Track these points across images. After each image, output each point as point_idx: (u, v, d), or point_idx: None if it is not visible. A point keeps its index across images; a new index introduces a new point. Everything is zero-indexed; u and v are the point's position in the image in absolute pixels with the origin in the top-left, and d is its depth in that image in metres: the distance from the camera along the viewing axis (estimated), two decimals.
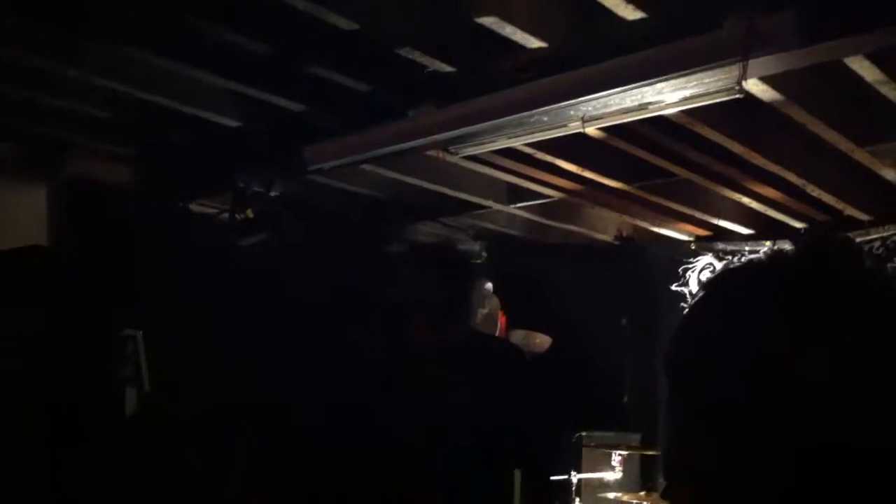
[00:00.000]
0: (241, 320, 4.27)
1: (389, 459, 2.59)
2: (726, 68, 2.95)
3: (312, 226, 4.71)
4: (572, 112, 3.42)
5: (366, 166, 4.39)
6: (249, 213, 4.49)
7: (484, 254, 6.23)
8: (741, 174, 4.51)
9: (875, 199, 4.92)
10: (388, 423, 2.62)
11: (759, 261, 0.97)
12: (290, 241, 4.56)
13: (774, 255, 0.95)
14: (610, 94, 3.22)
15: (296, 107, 3.89)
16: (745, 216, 5.47)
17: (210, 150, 4.34)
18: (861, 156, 4.07)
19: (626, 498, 5.28)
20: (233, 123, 4.05)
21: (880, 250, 5.38)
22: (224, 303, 4.25)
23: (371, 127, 3.86)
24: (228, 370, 4.20)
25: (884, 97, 3.35)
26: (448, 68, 3.44)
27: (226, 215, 4.65)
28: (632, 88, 3.16)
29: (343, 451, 2.79)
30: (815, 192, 4.62)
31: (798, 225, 5.39)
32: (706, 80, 3.04)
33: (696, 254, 6.19)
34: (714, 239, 6.00)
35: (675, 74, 3.02)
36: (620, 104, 3.32)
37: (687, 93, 3.19)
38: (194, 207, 4.91)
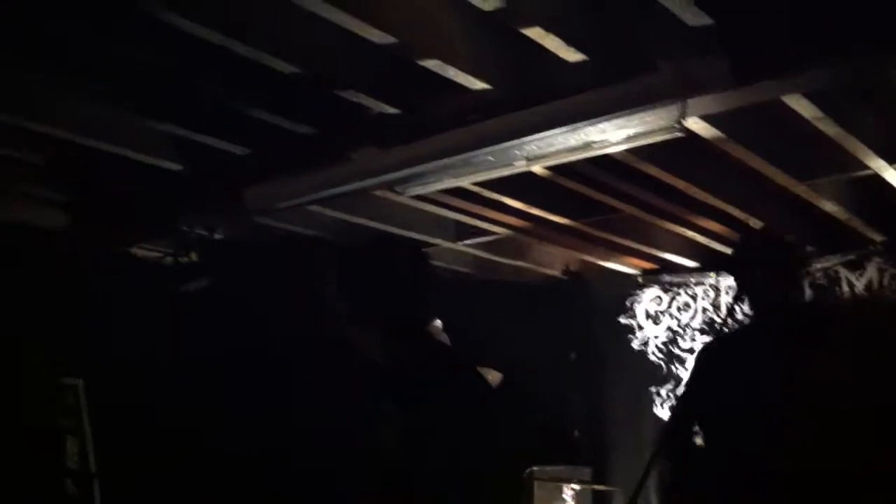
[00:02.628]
0: (188, 367, 4.18)
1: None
2: (666, 108, 2.98)
3: (258, 269, 4.65)
4: (517, 151, 3.43)
5: (312, 207, 4.36)
6: (193, 257, 4.42)
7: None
8: (684, 209, 4.56)
9: (815, 230, 4.99)
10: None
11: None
12: (235, 286, 4.48)
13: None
14: (554, 134, 3.23)
15: (238, 150, 3.85)
16: (689, 249, 5.52)
17: (152, 194, 4.27)
18: (801, 190, 4.13)
19: None
20: (175, 167, 3.99)
21: (822, 280, 5.46)
22: (170, 349, 4.16)
23: (314, 169, 3.83)
24: (178, 419, 4.10)
25: (821, 133, 3.40)
26: (392, 110, 3.43)
27: (169, 259, 4.57)
28: (575, 128, 3.18)
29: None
30: (757, 224, 4.68)
31: None
32: (647, 120, 3.08)
33: (642, 286, 6.24)
34: (660, 272, 6.05)
35: (616, 114, 3.05)
36: (565, 143, 3.34)
37: (629, 132, 3.22)
38: (137, 252, 4.82)
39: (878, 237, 5.03)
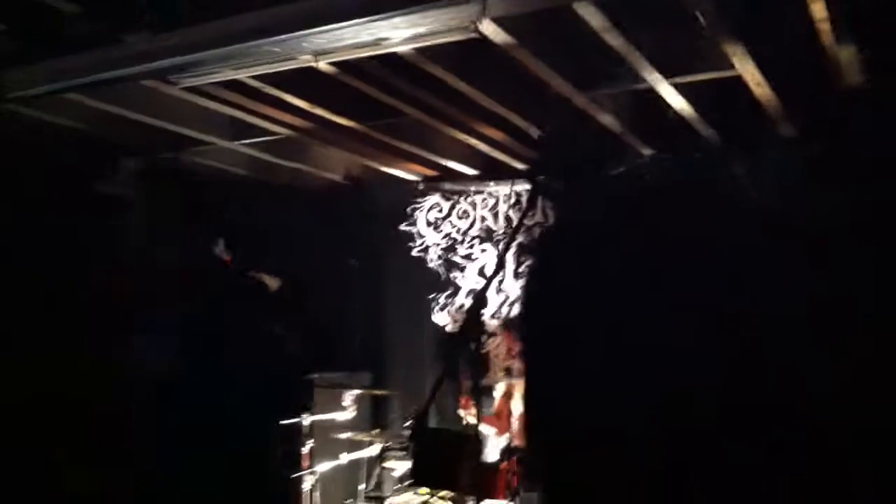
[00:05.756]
0: None
1: None
2: (463, 6, 2.89)
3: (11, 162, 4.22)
4: (304, 44, 3.24)
5: (72, 96, 3.98)
6: None
7: (206, 194, 5.91)
8: (469, 115, 4.53)
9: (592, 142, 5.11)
10: None
11: None
12: None
13: None
14: (344, 27, 3.07)
15: None
16: (471, 157, 5.54)
17: None
18: (581, 101, 4.20)
19: (357, 437, 5.28)
20: None
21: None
22: None
23: (80, 52, 3.46)
24: None
25: (608, 45, 3.43)
26: None
27: None
28: (367, 22, 3.02)
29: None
30: (536, 134, 4.74)
31: (520, 166, 5.53)
32: (443, 17, 2.97)
33: (423, 194, 6.23)
34: (441, 179, 6.05)
35: (412, 10, 2.93)
36: (355, 38, 3.18)
37: (422, 29, 3.11)
38: None
39: (649, 151, 5.23)
